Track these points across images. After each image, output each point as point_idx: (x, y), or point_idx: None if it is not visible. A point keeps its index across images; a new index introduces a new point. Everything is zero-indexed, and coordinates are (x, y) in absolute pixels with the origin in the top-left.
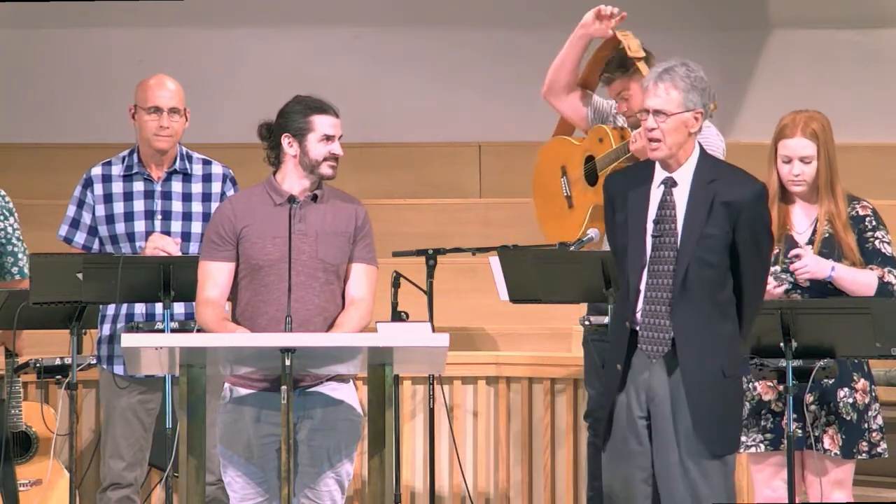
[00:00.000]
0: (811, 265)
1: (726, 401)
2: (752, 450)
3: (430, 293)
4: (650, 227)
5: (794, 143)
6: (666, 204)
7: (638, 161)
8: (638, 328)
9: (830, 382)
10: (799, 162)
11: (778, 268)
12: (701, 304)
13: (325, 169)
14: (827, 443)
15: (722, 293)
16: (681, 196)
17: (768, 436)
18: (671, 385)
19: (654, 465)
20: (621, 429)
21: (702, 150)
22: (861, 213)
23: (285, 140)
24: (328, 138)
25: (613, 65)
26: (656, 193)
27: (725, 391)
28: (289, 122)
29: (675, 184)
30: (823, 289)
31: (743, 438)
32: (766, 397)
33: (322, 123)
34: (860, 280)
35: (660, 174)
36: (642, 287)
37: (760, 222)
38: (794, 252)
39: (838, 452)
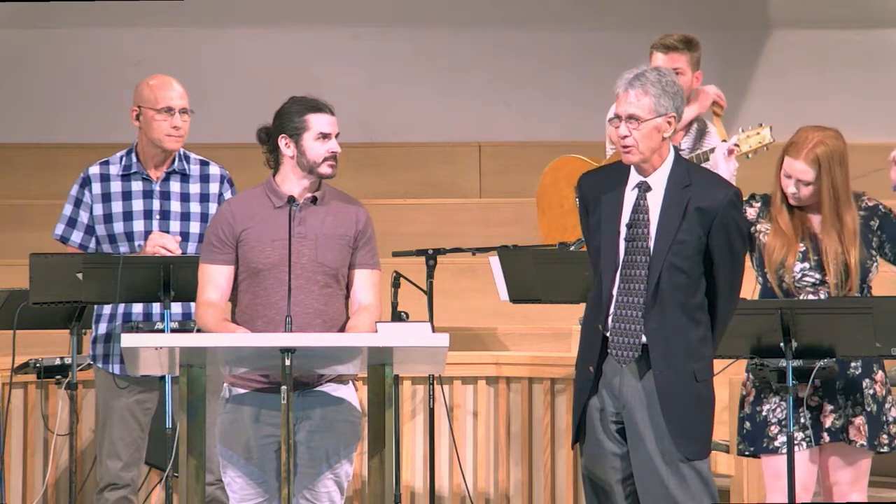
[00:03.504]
0: None
1: (699, 405)
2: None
3: (430, 293)
4: (623, 230)
5: (795, 164)
6: (639, 208)
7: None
8: (608, 334)
9: (858, 372)
10: (797, 182)
11: (807, 265)
12: (673, 310)
13: (325, 168)
14: (853, 433)
15: (694, 298)
16: (655, 200)
17: (808, 432)
18: (643, 391)
19: (633, 469)
20: (594, 431)
21: (676, 154)
22: (870, 203)
23: (282, 141)
24: (324, 136)
25: (677, 38)
26: (630, 197)
27: (698, 396)
28: (285, 123)
29: (649, 188)
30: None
31: (784, 438)
32: (801, 394)
33: (317, 122)
34: None
35: (634, 177)
36: (615, 292)
37: (734, 227)
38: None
39: (864, 444)
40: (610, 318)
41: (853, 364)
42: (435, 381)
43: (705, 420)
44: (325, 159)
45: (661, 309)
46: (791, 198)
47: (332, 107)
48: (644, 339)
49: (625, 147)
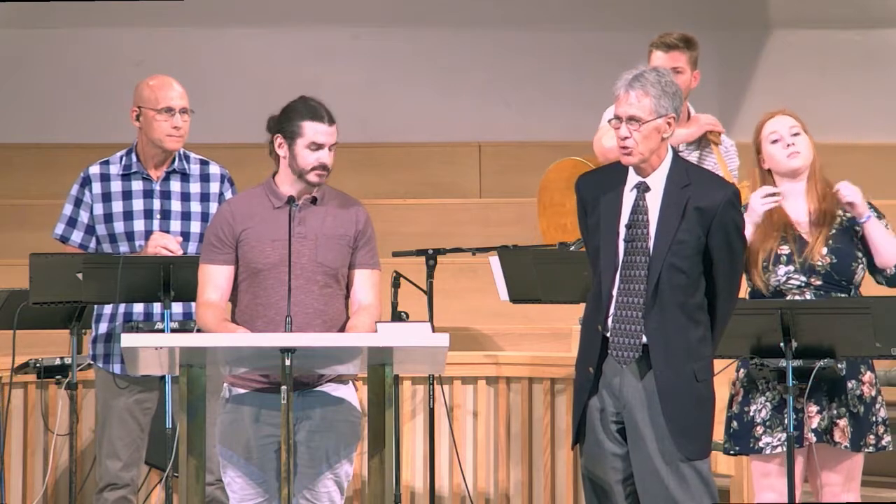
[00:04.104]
0: (854, 192)
1: (699, 405)
2: (778, 450)
3: (430, 293)
4: (622, 231)
5: (780, 119)
6: (639, 209)
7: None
8: (608, 334)
9: (843, 374)
10: (789, 136)
11: (791, 268)
12: (673, 310)
13: (312, 177)
14: (837, 435)
15: (694, 298)
16: (654, 201)
17: (794, 433)
18: (643, 391)
19: (633, 469)
20: (594, 431)
21: (674, 154)
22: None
23: (276, 140)
24: (317, 147)
25: (677, 37)
26: (629, 197)
27: (698, 396)
28: (284, 123)
29: (647, 188)
30: (833, 288)
31: (768, 440)
32: (786, 396)
33: (312, 130)
34: (891, 240)
35: (633, 178)
36: (614, 292)
37: (733, 226)
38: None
39: (848, 445)
40: (610, 319)
41: (839, 365)
42: (435, 381)
43: (705, 420)
44: (314, 168)
45: (660, 309)
46: (792, 155)
47: (334, 116)
48: (644, 339)
49: (625, 148)
